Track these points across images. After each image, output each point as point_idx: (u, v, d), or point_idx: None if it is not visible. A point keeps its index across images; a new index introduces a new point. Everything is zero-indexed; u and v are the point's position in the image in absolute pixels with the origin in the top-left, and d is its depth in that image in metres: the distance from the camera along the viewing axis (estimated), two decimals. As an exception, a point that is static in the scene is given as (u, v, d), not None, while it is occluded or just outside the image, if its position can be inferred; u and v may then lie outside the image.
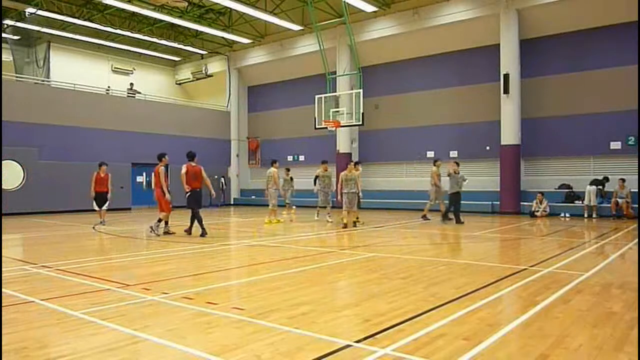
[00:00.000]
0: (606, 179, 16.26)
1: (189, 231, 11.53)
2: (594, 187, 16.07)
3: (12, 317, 4.45)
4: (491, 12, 18.21)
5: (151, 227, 11.36)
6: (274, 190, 14.80)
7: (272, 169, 14.92)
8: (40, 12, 20.30)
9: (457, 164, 14.94)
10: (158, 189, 11.32)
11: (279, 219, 15.17)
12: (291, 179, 17.88)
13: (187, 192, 11.19)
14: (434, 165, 15.33)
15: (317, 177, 15.45)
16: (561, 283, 5.85)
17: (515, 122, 17.98)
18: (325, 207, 15.15)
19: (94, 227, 13.28)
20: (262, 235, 12.02)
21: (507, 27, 17.95)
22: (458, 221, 14.21)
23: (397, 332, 3.95)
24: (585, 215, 16.15)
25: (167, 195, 11.15)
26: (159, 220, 11.38)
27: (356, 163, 14.41)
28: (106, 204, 14.07)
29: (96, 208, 13.97)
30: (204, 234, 11.00)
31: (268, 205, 14.63)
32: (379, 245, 9.93)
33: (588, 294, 5.35)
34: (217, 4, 20.25)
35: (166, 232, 11.57)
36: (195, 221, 11.26)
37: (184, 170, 11.13)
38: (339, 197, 12.97)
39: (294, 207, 17.17)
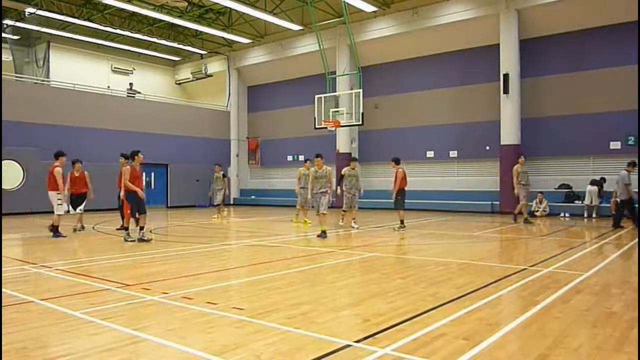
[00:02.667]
0: (603, 180, 16.25)
1: (126, 227, 10.69)
2: (595, 187, 16.06)
3: (12, 317, 4.45)
4: (491, 12, 18.21)
5: (124, 239, 10.20)
6: (299, 189, 14.84)
7: (300, 169, 15.14)
8: (40, 12, 20.29)
9: (634, 164, 12.90)
10: (123, 191, 10.48)
11: (305, 219, 14.60)
12: (223, 176, 16.63)
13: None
14: (518, 162, 14.25)
15: (342, 176, 13.57)
16: (561, 283, 5.86)
17: (515, 122, 17.99)
18: (347, 211, 13.51)
19: (76, 229, 12.22)
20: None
21: (507, 27, 17.95)
22: (617, 225, 12.72)
23: (397, 332, 3.95)
24: (585, 215, 16.15)
25: (141, 194, 10.09)
26: (125, 229, 10.38)
27: (317, 155, 11.48)
28: (82, 206, 12.32)
29: (70, 210, 12.19)
30: (124, 228, 11.01)
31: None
32: (379, 245, 9.93)
33: (588, 293, 5.36)
34: (216, 3, 20.24)
35: (139, 239, 10.12)
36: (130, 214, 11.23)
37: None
38: (309, 196, 11.35)
39: (225, 209, 16.89)
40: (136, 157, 10.24)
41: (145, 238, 10.14)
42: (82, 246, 10.15)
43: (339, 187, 13.50)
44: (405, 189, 12.80)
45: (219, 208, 16.71)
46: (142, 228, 10.18)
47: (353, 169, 13.35)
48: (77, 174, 12.21)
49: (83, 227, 12.54)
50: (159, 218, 17.38)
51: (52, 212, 11.42)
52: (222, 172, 16.63)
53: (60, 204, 11.30)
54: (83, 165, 12.66)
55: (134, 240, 10.05)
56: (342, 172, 13.61)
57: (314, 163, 11.36)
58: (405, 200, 12.82)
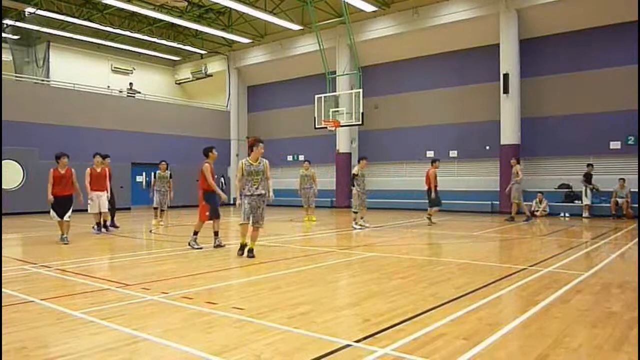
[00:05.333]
0: (590, 166, 16.19)
1: (196, 232, 9.51)
2: (584, 184, 16.04)
3: (12, 316, 4.45)
4: (491, 12, 18.21)
5: (189, 243, 9.22)
6: (302, 189, 15.48)
7: (299, 170, 15.78)
8: (39, 12, 20.30)
9: None
10: (199, 191, 9.30)
11: (309, 216, 15.47)
12: (170, 176, 14.17)
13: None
14: (518, 162, 14.96)
15: (355, 176, 12.89)
16: (561, 283, 5.86)
17: (515, 122, 17.99)
18: (357, 212, 13.15)
19: (61, 240, 10.15)
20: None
21: (506, 27, 17.96)
22: None
23: (396, 332, 3.95)
24: (585, 215, 16.15)
25: (222, 195, 9.16)
26: (195, 233, 9.22)
27: (257, 140, 8.04)
28: (69, 212, 10.21)
29: (56, 218, 10.17)
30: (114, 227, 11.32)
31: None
32: (379, 245, 9.93)
33: (588, 293, 5.36)
34: (216, 3, 20.24)
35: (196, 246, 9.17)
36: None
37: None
38: (238, 201, 8.22)
39: (161, 218, 14.30)
40: (210, 153, 9.15)
41: (223, 244, 9.24)
42: (82, 246, 10.13)
43: (353, 188, 13.04)
44: (434, 188, 13.79)
45: (157, 212, 14.08)
46: (217, 234, 9.24)
47: (363, 167, 13.07)
48: (62, 171, 10.32)
49: (65, 238, 10.24)
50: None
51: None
52: (169, 172, 14.21)
53: (90, 204, 11.74)
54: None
55: (200, 248, 9.01)
56: (355, 171, 12.99)
57: (253, 154, 7.93)
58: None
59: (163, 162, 14.33)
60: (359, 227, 12.87)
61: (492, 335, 3.86)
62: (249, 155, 7.95)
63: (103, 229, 12.12)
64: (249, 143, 8.11)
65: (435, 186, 13.77)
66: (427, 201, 14.15)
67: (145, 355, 3.59)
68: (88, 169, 11.81)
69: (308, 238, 11.34)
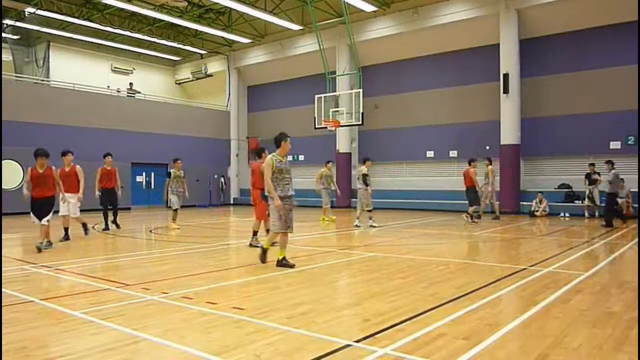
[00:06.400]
0: (592, 165, 16.16)
1: (255, 231, 9.50)
2: (588, 185, 16.02)
3: (12, 316, 4.45)
4: (491, 12, 18.21)
5: (250, 244, 9.27)
6: (323, 189, 15.54)
7: (321, 169, 15.79)
8: (39, 12, 20.30)
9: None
10: (255, 191, 9.07)
11: (331, 217, 15.49)
12: (183, 175, 13.20)
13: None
14: (491, 163, 15.75)
15: (366, 175, 13.03)
16: (561, 283, 5.86)
17: (515, 122, 17.99)
18: (372, 210, 13.54)
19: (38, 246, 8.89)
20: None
21: (506, 27, 17.95)
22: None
23: (396, 332, 3.95)
24: (586, 215, 16.14)
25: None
26: (254, 233, 9.29)
27: (284, 135, 7.85)
28: (49, 215, 8.96)
29: (34, 220, 8.93)
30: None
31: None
32: (379, 245, 9.94)
33: (588, 293, 5.36)
34: (216, 3, 20.24)
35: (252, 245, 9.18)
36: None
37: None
38: (276, 202, 7.03)
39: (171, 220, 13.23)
40: (263, 154, 8.94)
41: (258, 245, 8.76)
42: (82, 246, 10.13)
43: (364, 187, 13.05)
44: (472, 187, 14.37)
45: (176, 214, 13.25)
46: (268, 231, 8.41)
47: (368, 167, 13.39)
48: (41, 171, 9.28)
49: (47, 244, 9.16)
50: (159, 218, 17.38)
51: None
52: (180, 172, 13.17)
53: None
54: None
55: (258, 246, 8.61)
56: (365, 170, 13.08)
57: (280, 146, 7.51)
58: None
59: (179, 161, 13.20)
60: (371, 224, 13.16)
61: (492, 335, 3.86)
62: (257, 155, 7.67)
63: (82, 234, 10.94)
64: (275, 138, 7.43)
65: (474, 185, 14.27)
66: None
67: (145, 355, 3.59)
68: (58, 169, 9.95)
69: (308, 238, 11.33)
